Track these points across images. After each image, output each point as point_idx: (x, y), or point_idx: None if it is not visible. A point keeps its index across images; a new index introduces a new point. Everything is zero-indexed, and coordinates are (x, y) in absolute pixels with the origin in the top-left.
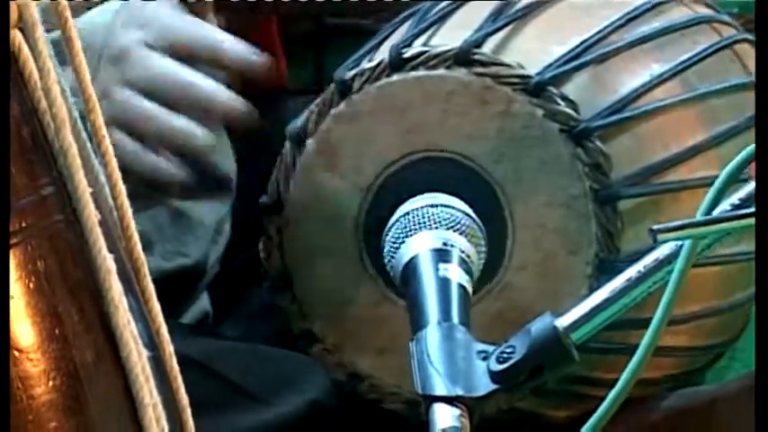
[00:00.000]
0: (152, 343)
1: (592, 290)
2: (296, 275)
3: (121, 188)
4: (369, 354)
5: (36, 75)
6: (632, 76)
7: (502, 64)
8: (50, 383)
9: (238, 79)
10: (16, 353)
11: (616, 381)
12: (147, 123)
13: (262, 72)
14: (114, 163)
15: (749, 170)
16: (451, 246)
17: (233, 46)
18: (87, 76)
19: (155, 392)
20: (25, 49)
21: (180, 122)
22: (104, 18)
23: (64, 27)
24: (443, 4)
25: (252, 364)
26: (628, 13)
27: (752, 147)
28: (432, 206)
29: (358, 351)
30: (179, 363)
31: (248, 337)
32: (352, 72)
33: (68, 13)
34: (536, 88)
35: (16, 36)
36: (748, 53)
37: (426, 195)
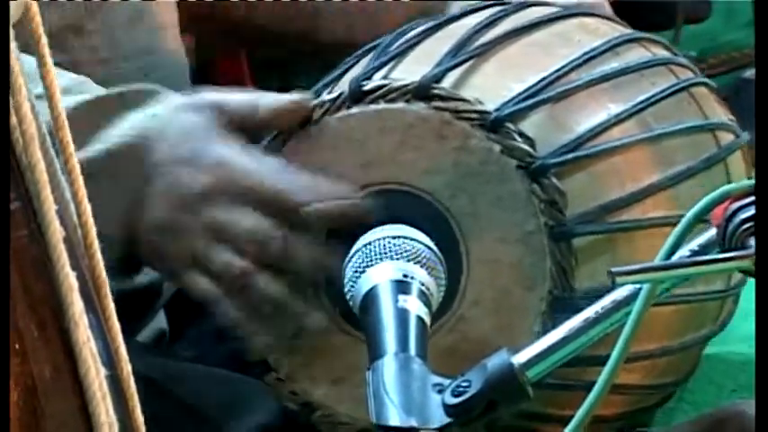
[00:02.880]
0: (111, 361)
1: (545, 326)
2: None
3: (86, 206)
4: (323, 383)
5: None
6: (589, 114)
7: (460, 99)
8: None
9: None
10: None
11: (570, 418)
12: (236, 280)
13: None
14: (80, 181)
15: (711, 216)
16: (411, 278)
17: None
18: (58, 93)
19: (111, 411)
20: None
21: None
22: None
23: (37, 46)
24: (404, 38)
25: (207, 388)
26: (586, 53)
27: (712, 194)
28: (394, 237)
29: (312, 381)
30: (135, 382)
31: (204, 358)
32: (312, 103)
33: (41, 30)
34: (494, 124)
35: None
36: (705, 96)
37: (389, 226)
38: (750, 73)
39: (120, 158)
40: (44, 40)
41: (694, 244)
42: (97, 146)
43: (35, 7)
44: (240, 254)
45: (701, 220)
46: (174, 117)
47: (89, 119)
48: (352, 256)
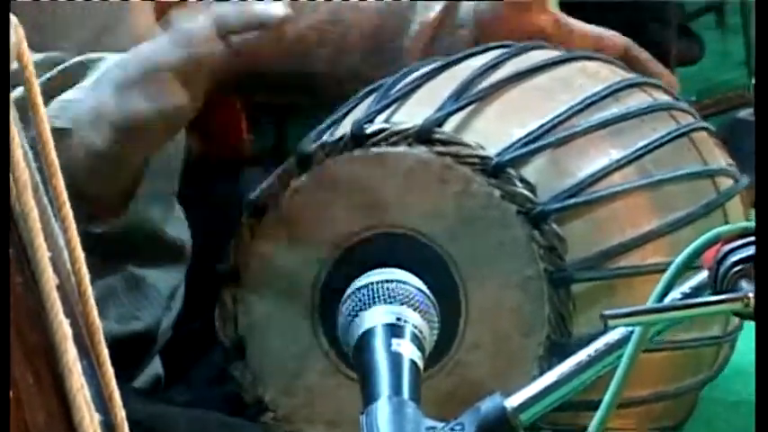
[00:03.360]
0: (104, 407)
1: (542, 371)
2: (250, 345)
3: (80, 254)
4: (319, 425)
5: None
6: (590, 160)
7: (462, 144)
8: None
9: (197, 146)
10: None
11: None
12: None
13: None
14: (74, 229)
15: (702, 259)
16: (405, 321)
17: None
18: (51, 143)
19: None
20: None
21: None
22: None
23: (30, 93)
24: (407, 80)
25: (203, 431)
26: (587, 98)
27: (704, 237)
28: (387, 281)
29: (308, 422)
30: (130, 427)
31: (199, 402)
32: (314, 145)
33: (34, 80)
34: (495, 169)
35: None
36: (705, 141)
37: (382, 270)
38: (745, 113)
39: None
40: (36, 88)
41: (686, 287)
42: None
43: (28, 55)
44: None
45: (692, 265)
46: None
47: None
48: (346, 299)
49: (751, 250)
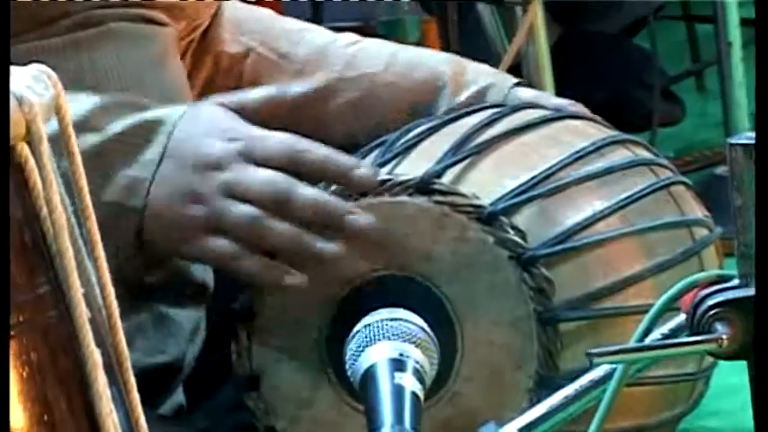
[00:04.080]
0: (131, 431)
1: (532, 402)
2: (263, 377)
3: (110, 290)
4: None
5: (39, 185)
6: (576, 210)
7: (459, 194)
8: None
9: None
10: None
11: None
12: (252, 228)
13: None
14: (105, 267)
15: (680, 303)
16: (407, 357)
17: (329, 157)
18: (86, 188)
19: None
20: (31, 161)
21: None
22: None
23: (66, 145)
24: (408, 135)
25: None
26: (575, 153)
27: (682, 282)
28: (391, 320)
29: None
30: None
31: (218, 428)
32: None
33: (71, 131)
34: (489, 217)
35: (24, 148)
36: (682, 194)
37: (386, 310)
38: (721, 169)
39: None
40: (73, 138)
41: (665, 328)
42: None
43: (65, 107)
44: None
45: (671, 308)
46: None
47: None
48: (353, 336)
49: (726, 295)
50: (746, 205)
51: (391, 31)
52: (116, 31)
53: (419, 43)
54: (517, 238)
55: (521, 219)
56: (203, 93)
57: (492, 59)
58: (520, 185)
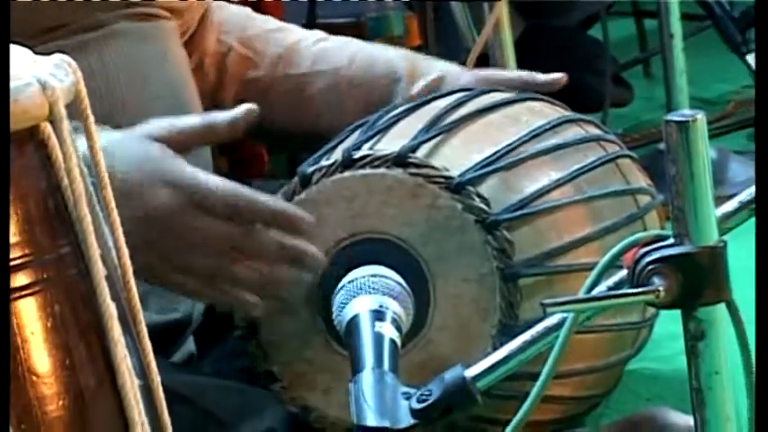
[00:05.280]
0: (143, 374)
1: (495, 348)
2: (261, 327)
3: (125, 251)
4: (317, 392)
5: (60, 158)
6: (534, 180)
7: (431, 167)
8: (60, 403)
9: (226, 166)
10: (34, 377)
11: None
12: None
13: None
14: (120, 231)
15: (623, 260)
16: (386, 308)
17: (275, 206)
18: (102, 162)
19: (143, 414)
20: (53, 138)
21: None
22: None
23: (85, 122)
24: (387, 116)
25: (224, 397)
26: (532, 131)
27: (625, 241)
28: (372, 276)
29: (308, 389)
30: (165, 393)
31: (223, 372)
32: (312, 168)
33: (89, 111)
34: (457, 187)
35: (47, 127)
36: (628, 166)
37: (368, 267)
38: (664, 145)
39: None
40: (91, 119)
41: (610, 281)
42: None
43: (83, 91)
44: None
45: (616, 264)
46: (121, 147)
47: None
48: (339, 290)
49: (662, 252)
50: (680, 174)
51: (379, 26)
52: (120, 30)
53: (403, 36)
54: (482, 205)
55: (485, 188)
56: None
57: (464, 50)
58: (484, 159)
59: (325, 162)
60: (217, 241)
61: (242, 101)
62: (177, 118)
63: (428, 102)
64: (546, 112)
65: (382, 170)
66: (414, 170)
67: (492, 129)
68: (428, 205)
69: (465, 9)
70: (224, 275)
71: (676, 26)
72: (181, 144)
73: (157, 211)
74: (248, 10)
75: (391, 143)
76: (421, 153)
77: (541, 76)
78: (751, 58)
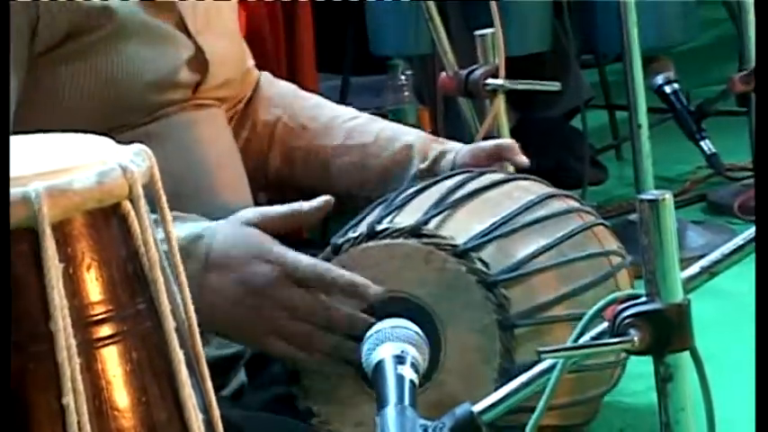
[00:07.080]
0: (205, 409)
1: (497, 387)
2: (301, 372)
3: (191, 307)
4: (349, 425)
5: (138, 231)
6: (525, 246)
7: (440, 236)
8: None
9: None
10: (116, 412)
11: None
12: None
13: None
14: (187, 291)
15: (604, 314)
16: (406, 354)
17: (347, 278)
18: (173, 233)
19: None
20: (132, 213)
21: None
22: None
23: (158, 204)
24: (403, 195)
25: (270, 428)
26: (523, 205)
27: (605, 299)
28: (394, 327)
29: (342, 423)
30: (222, 424)
31: (270, 401)
32: (342, 239)
33: (162, 192)
34: (462, 253)
35: (127, 204)
36: (602, 232)
37: (390, 320)
38: (633, 216)
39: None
40: (164, 199)
41: (593, 332)
42: None
43: (157, 174)
44: (311, 324)
45: (599, 316)
46: (221, 231)
47: None
48: (367, 339)
49: (637, 308)
50: (651, 243)
51: (397, 116)
52: (178, 121)
53: (414, 125)
54: (483, 268)
55: (485, 253)
56: (243, 149)
57: (468, 138)
58: (484, 229)
59: (352, 234)
60: (304, 308)
61: (285, 163)
62: (266, 207)
63: (437, 182)
64: (534, 188)
65: (400, 240)
66: (426, 240)
67: (490, 204)
68: (439, 269)
69: (469, 103)
70: (308, 340)
71: (643, 118)
72: (269, 228)
73: (259, 282)
74: (295, 87)
75: (407, 217)
76: (432, 225)
77: (506, 144)
78: (704, 144)
